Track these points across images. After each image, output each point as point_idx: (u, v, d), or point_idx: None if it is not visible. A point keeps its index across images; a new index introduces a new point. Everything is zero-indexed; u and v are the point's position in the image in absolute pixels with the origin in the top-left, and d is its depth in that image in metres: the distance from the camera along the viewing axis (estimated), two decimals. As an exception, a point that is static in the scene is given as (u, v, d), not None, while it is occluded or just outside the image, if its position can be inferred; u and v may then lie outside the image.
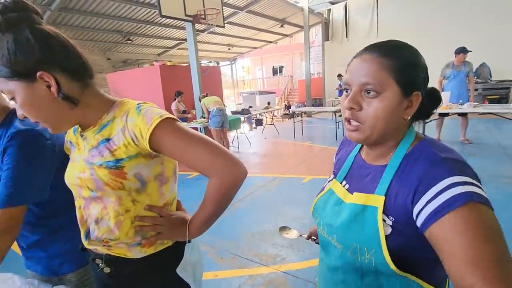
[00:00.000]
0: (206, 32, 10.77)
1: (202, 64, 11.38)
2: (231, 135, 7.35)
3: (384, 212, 0.59)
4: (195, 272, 0.89)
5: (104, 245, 0.78)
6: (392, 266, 0.57)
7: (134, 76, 7.42)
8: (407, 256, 0.58)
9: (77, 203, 0.81)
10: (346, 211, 0.65)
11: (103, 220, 0.76)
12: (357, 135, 0.62)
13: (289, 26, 12.57)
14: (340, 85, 11.04)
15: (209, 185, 0.75)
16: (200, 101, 5.57)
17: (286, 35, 14.30)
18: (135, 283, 0.84)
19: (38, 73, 0.65)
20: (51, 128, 0.73)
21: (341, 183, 0.73)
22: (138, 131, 0.69)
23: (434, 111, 0.67)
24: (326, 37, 12.77)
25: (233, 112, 7.81)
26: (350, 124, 0.62)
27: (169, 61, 10.62)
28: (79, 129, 0.79)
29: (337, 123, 6.89)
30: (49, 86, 0.66)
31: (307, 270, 2.22)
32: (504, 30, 9.18)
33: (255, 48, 15.76)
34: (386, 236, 0.58)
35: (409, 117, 0.61)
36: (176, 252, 0.83)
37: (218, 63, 16.42)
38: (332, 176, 0.80)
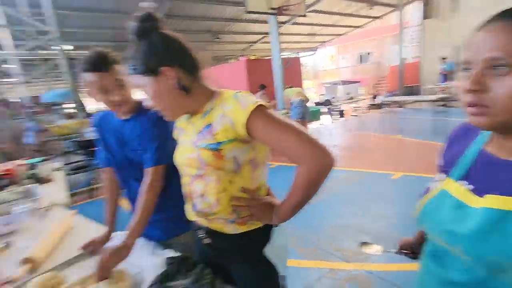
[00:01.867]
0: (288, 23, 10.73)
1: (284, 56, 11.42)
2: (310, 126, 7.21)
3: None
4: (280, 256, 0.93)
5: (205, 218, 0.90)
6: None
7: (222, 71, 8.02)
8: None
9: (183, 180, 0.94)
10: (477, 217, 0.55)
11: (205, 196, 0.87)
12: (485, 121, 0.51)
13: (380, 7, 11.35)
14: (445, 69, 9.44)
15: (298, 172, 0.78)
16: (283, 91, 5.63)
17: (376, 18, 12.97)
18: (230, 256, 0.94)
19: (163, 69, 0.79)
20: (171, 115, 0.88)
21: (458, 183, 0.62)
22: (234, 117, 0.77)
23: None
24: (426, 14, 11.02)
25: (317, 104, 7.63)
26: (474, 107, 0.52)
27: (253, 55, 11.08)
28: (188, 116, 0.92)
29: (438, 114, 5.94)
30: (169, 79, 0.80)
31: (395, 273, 2.04)
32: None
33: (340, 35, 14.88)
34: None
35: None
36: (265, 233, 0.90)
37: (298, 54, 16.20)
38: (443, 175, 0.68)
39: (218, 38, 11.21)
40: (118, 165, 1.26)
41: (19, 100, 6.01)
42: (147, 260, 1.09)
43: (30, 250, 1.16)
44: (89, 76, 1.07)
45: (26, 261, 1.11)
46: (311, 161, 0.75)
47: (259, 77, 6.84)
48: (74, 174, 4.60)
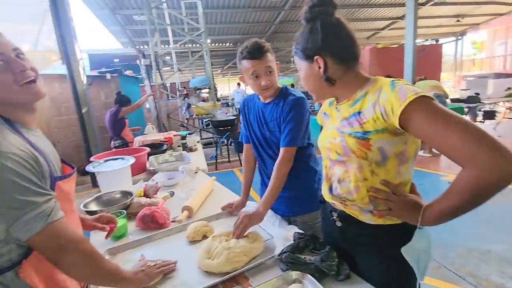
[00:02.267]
0: (429, 4, 9.14)
1: (418, 43, 9.89)
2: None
3: None
4: (419, 260, 0.86)
5: (341, 203, 0.92)
6: None
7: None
8: None
9: (324, 163, 0.98)
10: None
11: (344, 182, 0.88)
12: None
13: None
14: None
15: (463, 175, 0.67)
16: (414, 84, 4.94)
17: None
18: (358, 243, 0.93)
19: (315, 57, 0.83)
20: (315, 98, 0.93)
21: None
22: (389, 106, 0.73)
23: None
24: None
25: (454, 100, 6.35)
26: None
27: (377, 43, 10.07)
28: (335, 102, 0.94)
29: None
30: (319, 68, 0.84)
31: None
32: None
33: (500, 15, 11.63)
34: None
35: None
36: (404, 232, 0.83)
37: (437, 41, 13.65)
38: None
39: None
40: (256, 142, 1.42)
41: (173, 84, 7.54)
42: (275, 230, 1.21)
43: (187, 201, 1.48)
44: (246, 63, 1.23)
45: (185, 208, 1.43)
46: (484, 165, 0.63)
47: (385, 68, 6.17)
48: (204, 148, 5.49)
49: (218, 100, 7.08)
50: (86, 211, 1.38)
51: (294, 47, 0.89)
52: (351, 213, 0.90)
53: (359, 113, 0.81)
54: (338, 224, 0.95)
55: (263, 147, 1.40)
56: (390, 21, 11.00)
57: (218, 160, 5.37)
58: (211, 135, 6.81)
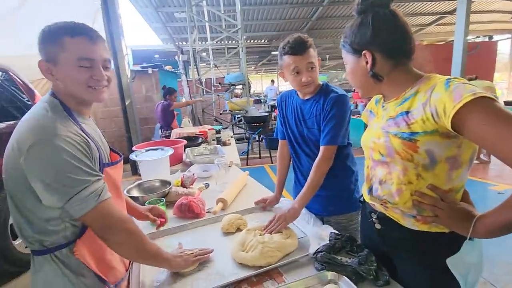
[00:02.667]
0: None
1: (468, 40, 9.10)
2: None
3: None
4: (468, 274, 0.79)
5: (381, 204, 0.87)
6: None
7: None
8: None
9: (366, 163, 0.95)
10: None
11: (386, 183, 0.84)
12: None
13: None
14: None
15: None
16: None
17: None
18: (398, 248, 0.89)
19: (363, 52, 0.79)
20: (361, 94, 0.90)
21: None
22: (441, 107, 0.67)
23: None
24: None
25: (507, 103, 5.77)
26: None
27: (421, 40, 9.44)
28: (382, 100, 0.90)
29: None
30: (367, 63, 0.80)
31: None
32: None
33: None
34: None
35: None
36: (452, 242, 0.77)
37: (491, 38, 12.45)
38: None
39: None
40: (292, 139, 1.41)
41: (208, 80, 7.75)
42: (310, 228, 1.20)
43: (222, 194, 1.52)
44: (287, 58, 1.22)
45: (220, 200, 1.46)
46: None
47: (430, 67, 5.77)
48: (235, 143, 5.58)
49: (250, 96, 7.13)
50: (129, 196, 1.47)
51: (342, 40, 0.86)
52: (392, 216, 0.86)
53: (407, 112, 0.76)
54: (377, 226, 0.92)
55: (300, 145, 1.38)
56: (438, 16, 10.24)
57: (249, 156, 5.43)
58: (242, 130, 6.91)
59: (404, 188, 0.80)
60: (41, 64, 0.79)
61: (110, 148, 0.99)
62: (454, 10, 9.01)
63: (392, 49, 0.79)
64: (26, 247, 2.33)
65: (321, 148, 1.22)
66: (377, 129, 0.86)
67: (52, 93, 0.84)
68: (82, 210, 0.74)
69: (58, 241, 0.80)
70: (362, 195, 1.01)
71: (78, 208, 0.74)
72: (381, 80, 0.81)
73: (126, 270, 1.00)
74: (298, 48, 1.18)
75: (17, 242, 2.26)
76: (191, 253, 0.98)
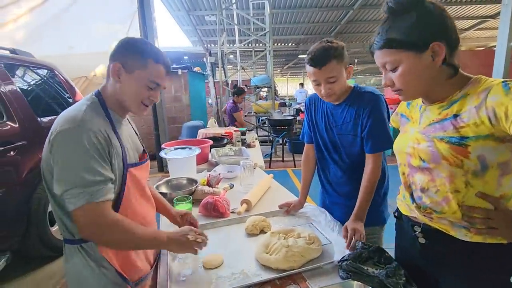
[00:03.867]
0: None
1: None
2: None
3: None
4: None
5: (425, 215, 0.81)
6: None
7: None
8: None
9: (401, 170, 0.90)
10: None
11: (429, 191, 0.79)
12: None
13: None
14: None
15: None
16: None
17: None
18: (445, 266, 0.81)
19: (432, 44, 0.69)
20: (408, 96, 0.80)
21: None
22: (502, 110, 0.62)
23: None
24: None
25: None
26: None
27: (459, 45, 8.93)
28: (416, 103, 0.86)
29: None
30: (437, 55, 0.70)
31: None
32: None
33: None
34: None
35: None
36: None
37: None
38: None
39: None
40: (321, 145, 1.38)
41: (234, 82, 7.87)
42: (334, 236, 1.18)
43: (246, 195, 1.53)
44: (308, 68, 1.18)
45: (244, 202, 1.48)
46: None
47: (468, 73, 5.44)
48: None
49: (276, 99, 7.15)
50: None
51: (383, 39, 0.74)
52: (439, 227, 0.80)
53: (455, 116, 0.72)
54: (421, 240, 0.85)
55: (329, 151, 1.35)
56: (478, 20, 9.66)
57: (272, 159, 5.42)
58: (266, 133, 6.92)
59: (451, 196, 0.74)
60: (116, 65, 0.86)
61: (143, 149, 1.04)
62: (497, 14, 8.47)
63: (452, 41, 0.72)
64: (60, 234, 2.50)
65: (368, 156, 1.18)
66: (415, 133, 0.82)
67: (97, 92, 0.90)
68: (71, 205, 0.75)
69: None
70: (396, 210, 0.96)
71: (69, 202, 0.75)
72: (456, 73, 0.74)
73: (151, 267, 1.03)
74: (317, 61, 1.13)
75: (54, 229, 2.42)
76: (193, 239, 0.94)
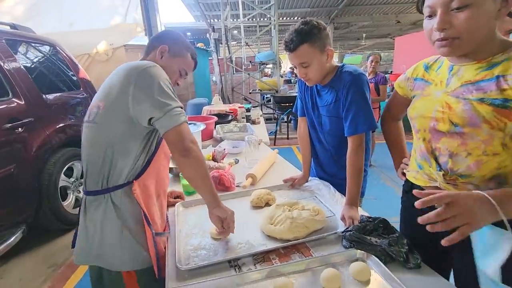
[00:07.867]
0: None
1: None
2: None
3: None
4: None
5: (448, 182, 0.79)
6: None
7: (422, 39, 6.73)
8: None
9: (421, 136, 0.86)
10: None
11: (459, 156, 0.76)
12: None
13: None
14: None
15: None
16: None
17: None
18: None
19: None
20: (460, 47, 0.70)
21: None
22: None
23: None
24: None
25: None
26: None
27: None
28: (440, 64, 0.83)
29: None
30: (502, 4, 0.65)
31: None
32: None
33: None
34: None
35: None
36: None
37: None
38: None
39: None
40: (309, 123, 1.38)
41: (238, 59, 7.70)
42: (338, 208, 1.19)
43: (251, 169, 1.54)
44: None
45: (249, 176, 1.50)
46: None
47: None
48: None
49: (281, 76, 7.01)
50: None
51: None
52: None
53: (498, 77, 0.68)
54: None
55: (316, 130, 1.35)
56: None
57: (276, 136, 5.42)
58: (271, 110, 6.87)
59: (486, 159, 0.72)
60: (164, 47, 1.06)
61: None
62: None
63: None
64: (79, 193, 2.60)
65: (348, 139, 1.15)
66: (443, 96, 0.78)
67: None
68: (173, 123, 0.86)
69: (120, 180, 0.92)
70: (405, 183, 0.94)
71: (171, 120, 0.86)
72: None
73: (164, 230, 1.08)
74: (289, 45, 1.10)
75: (66, 203, 2.51)
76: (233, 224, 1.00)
